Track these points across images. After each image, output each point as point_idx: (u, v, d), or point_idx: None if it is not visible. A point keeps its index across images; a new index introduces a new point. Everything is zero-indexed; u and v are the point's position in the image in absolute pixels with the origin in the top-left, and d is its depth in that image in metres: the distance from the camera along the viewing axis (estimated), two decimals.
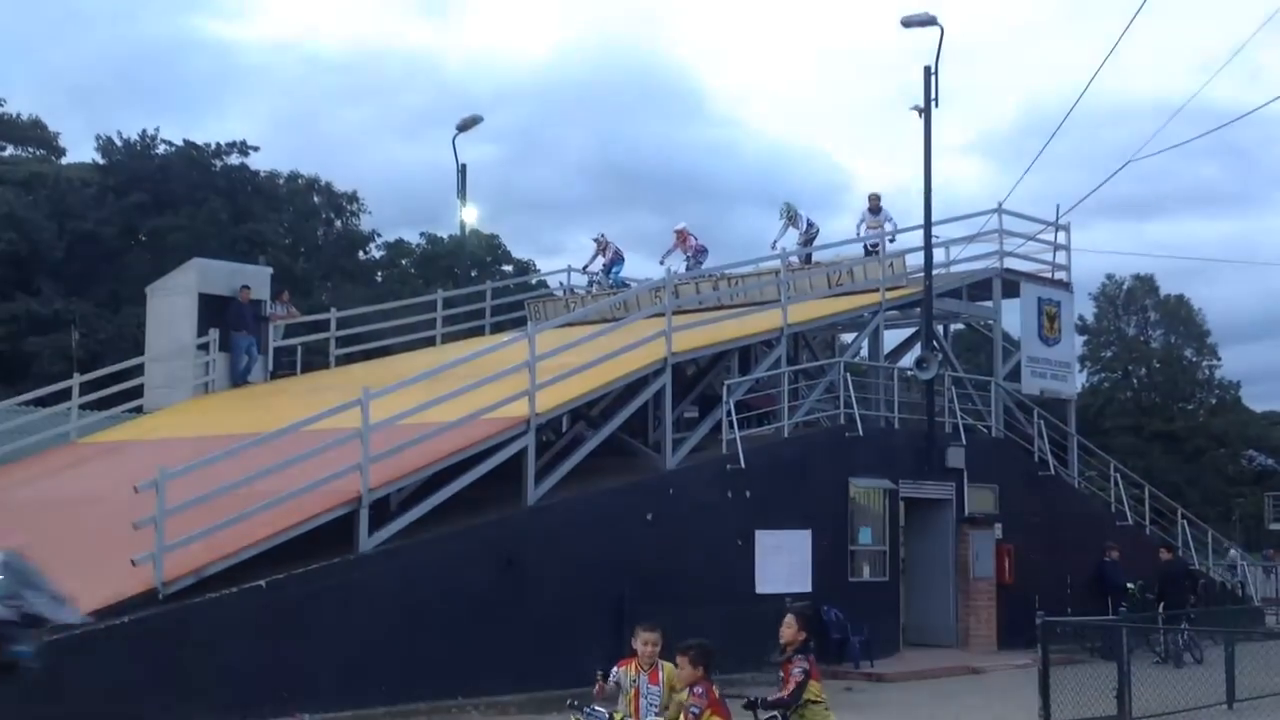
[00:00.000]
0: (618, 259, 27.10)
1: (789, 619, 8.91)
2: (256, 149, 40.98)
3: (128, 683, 12.72)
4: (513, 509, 16.58)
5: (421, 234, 48.26)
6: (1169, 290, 64.46)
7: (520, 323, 26.06)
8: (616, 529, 17.34)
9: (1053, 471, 24.15)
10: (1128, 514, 25.59)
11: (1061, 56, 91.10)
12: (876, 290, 22.68)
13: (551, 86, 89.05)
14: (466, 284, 32.24)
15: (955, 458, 21.89)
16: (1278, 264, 76.35)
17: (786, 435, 20.28)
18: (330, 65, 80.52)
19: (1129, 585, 22.59)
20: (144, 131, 39.50)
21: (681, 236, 25.41)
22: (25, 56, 66.72)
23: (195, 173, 38.61)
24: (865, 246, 24.39)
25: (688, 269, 24.89)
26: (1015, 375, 24.33)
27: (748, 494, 18.86)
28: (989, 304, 24.80)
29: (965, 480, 22.09)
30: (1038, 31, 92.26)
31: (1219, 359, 64.94)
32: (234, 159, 40.67)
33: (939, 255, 23.43)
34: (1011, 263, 24.75)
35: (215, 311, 22.71)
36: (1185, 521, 27.52)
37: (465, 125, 28.22)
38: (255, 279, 23.81)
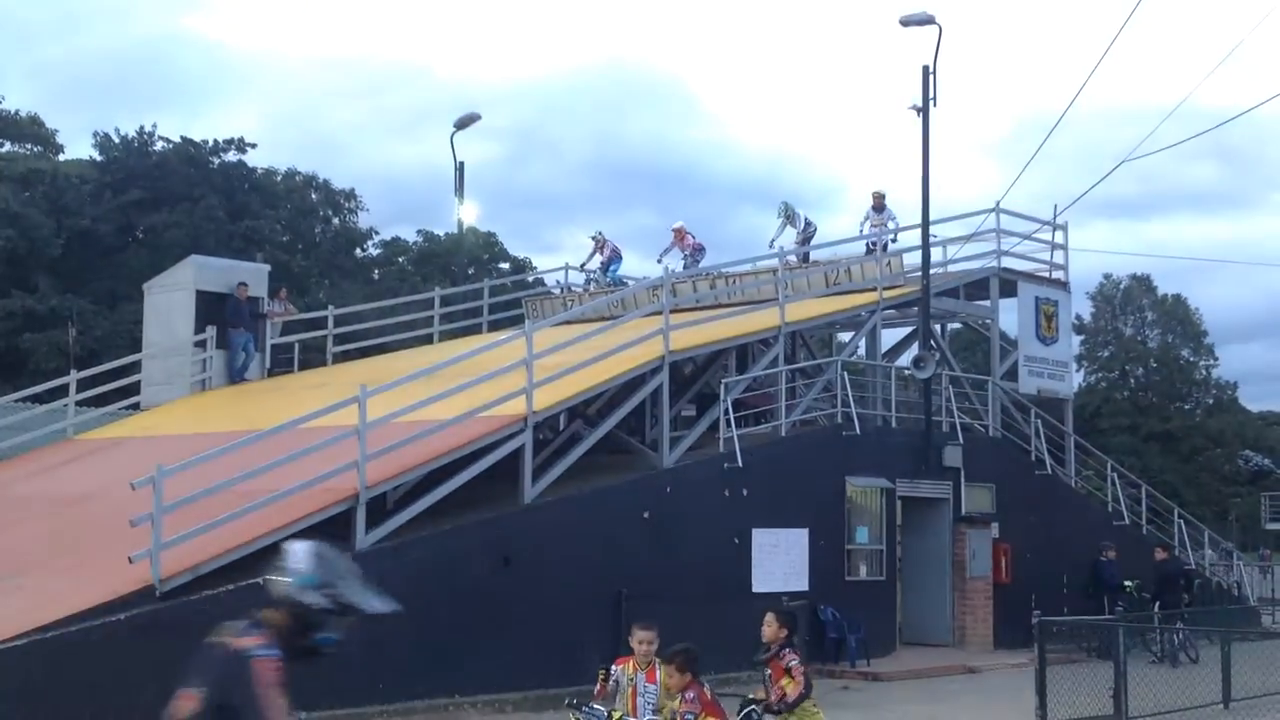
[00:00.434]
0: (615, 257, 27.11)
1: (768, 617, 8.98)
2: (254, 146, 40.99)
3: (125, 680, 12.69)
4: (510, 507, 16.56)
5: (418, 231, 48.32)
6: (1166, 290, 64.59)
7: (517, 321, 26.05)
8: (613, 527, 17.33)
9: (1049, 471, 24.16)
10: (1124, 513, 25.62)
11: (1062, 58, 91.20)
12: (874, 289, 22.68)
13: (549, 85, 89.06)
14: (463, 282, 32.24)
15: (952, 457, 21.90)
16: (1274, 264, 76.54)
17: (784, 434, 20.28)
18: (327, 62, 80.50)
19: (1125, 584, 22.62)
20: (141, 128, 39.48)
21: (679, 235, 25.40)
22: (23, 53, 66.67)
23: (192, 170, 38.55)
24: (867, 244, 24.41)
25: (685, 267, 24.88)
26: (1012, 374, 24.36)
27: (745, 493, 18.86)
28: (986, 303, 24.83)
29: (962, 479, 22.11)
30: (1038, 33, 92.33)
31: (1216, 359, 65.06)
32: (231, 156, 40.64)
33: (937, 254, 23.47)
34: (1009, 262, 24.78)
35: (212, 308, 22.71)
36: (1182, 521, 27.55)
37: (463, 123, 28.23)
38: (253, 276, 23.80)
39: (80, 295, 32.58)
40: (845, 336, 25.40)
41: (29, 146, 40.69)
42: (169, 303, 23.25)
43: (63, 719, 12.15)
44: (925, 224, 22.27)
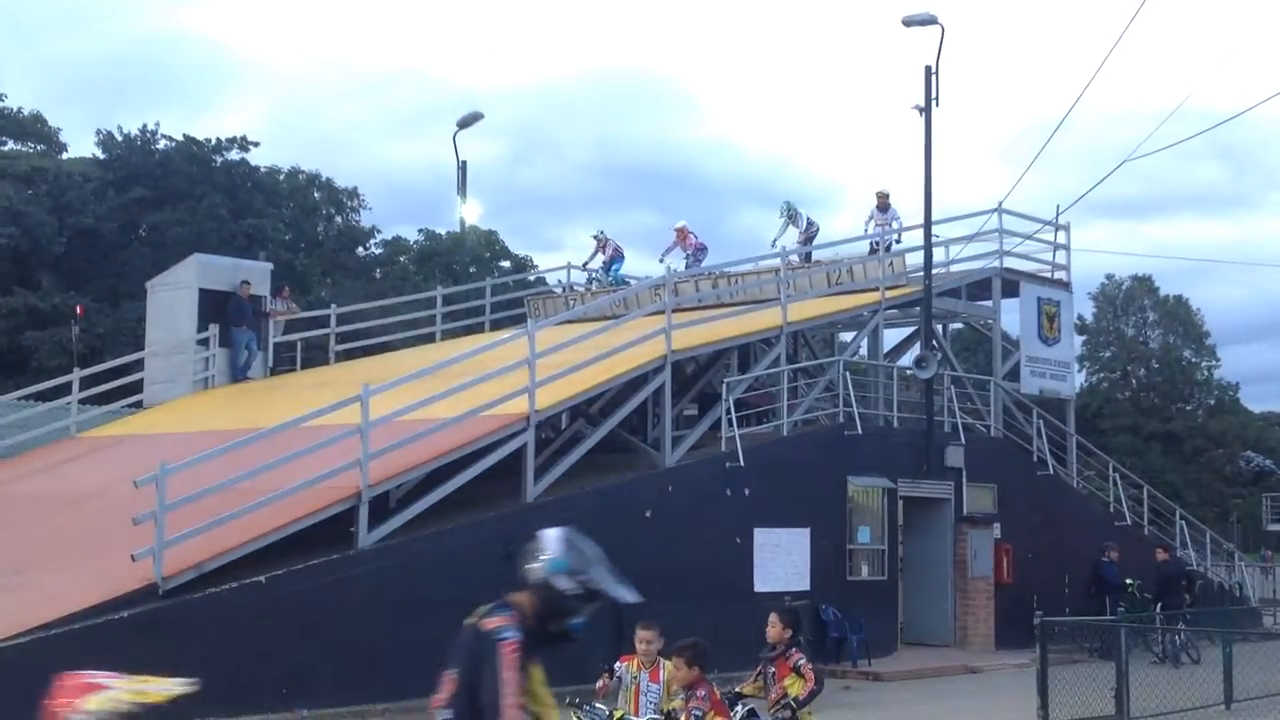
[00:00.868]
0: (617, 256, 27.13)
1: (772, 618, 8.96)
2: (256, 144, 41.01)
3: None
4: (512, 505, 16.57)
5: (420, 230, 48.33)
6: (1168, 291, 64.52)
7: (519, 320, 26.04)
8: (615, 526, 17.25)
9: (1051, 471, 24.17)
10: (1126, 514, 25.62)
11: (1064, 59, 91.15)
12: (877, 289, 22.68)
13: (551, 84, 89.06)
14: (465, 280, 32.25)
15: (954, 457, 21.91)
16: (1276, 265, 76.44)
17: (785, 434, 20.28)
18: (330, 61, 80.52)
19: (1127, 584, 22.62)
20: (144, 126, 39.50)
21: (681, 234, 25.36)
22: (26, 51, 66.70)
23: (195, 168, 38.56)
24: (870, 244, 24.41)
25: (687, 267, 24.87)
26: (1014, 375, 24.35)
27: (746, 492, 18.87)
28: (988, 303, 24.82)
29: (964, 480, 22.12)
30: (1040, 34, 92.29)
31: (1218, 360, 64.99)
32: (234, 154, 40.66)
33: (939, 254, 23.46)
34: (1011, 262, 24.75)
35: (215, 307, 22.70)
36: (1183, 522, 27.55)
37: (466, 122, 28.22)
38: (255, 275, 23.80)
39: (83, 293, 32.59)
40: (847, 336, 25.38)
41: (32, 145, 40.71)
42: (172, 301, 23.25)
43: None
44: (928, 224, 22.28)
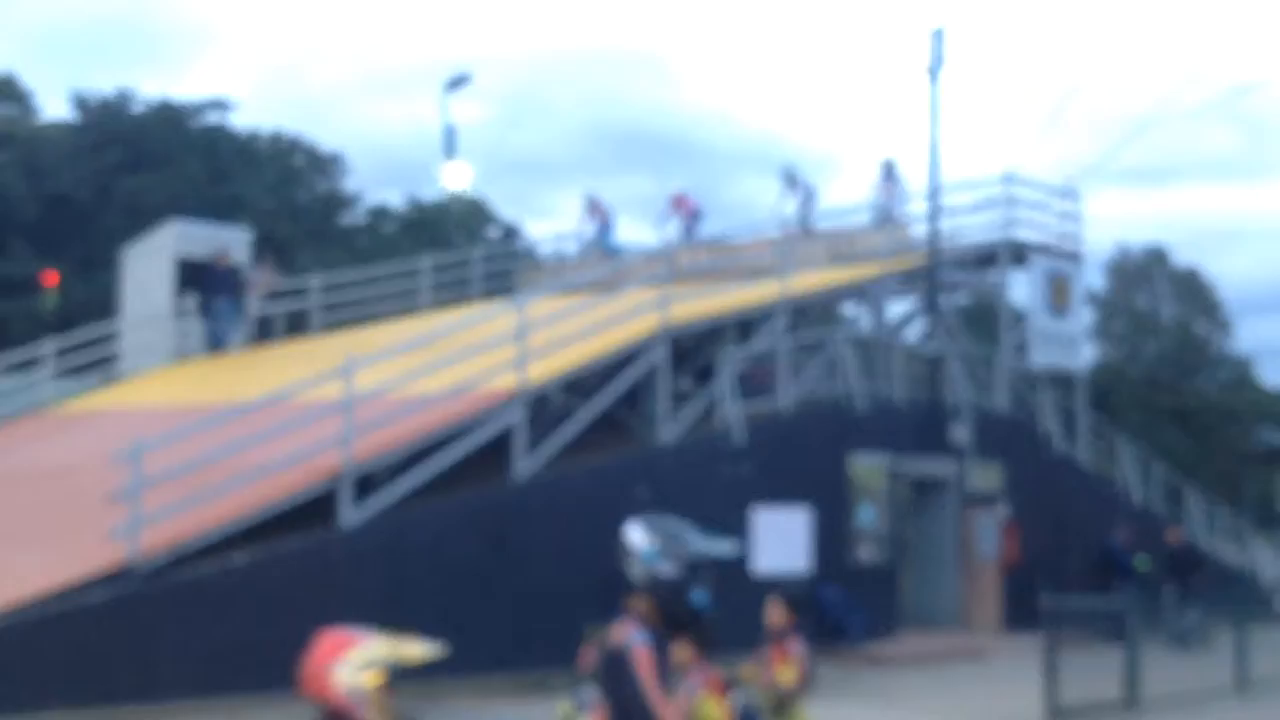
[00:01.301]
0: (609, 223, 26.37)
1: (772, 602, 8.51)
2: (236, 107, 40.16)
3: (102, 660, 12.39)
4: (501, 484, 16.05)
5: (406, 196, 47.49)
6: (1181, 261, 63.55)
7: (510, 289, 25.44)
8: (609, 505, 16.69)
9: (1060, 449, 23.66)
10: (1136, 493, 25.15)
11: (1076, 28, 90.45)
12: (880, 260, 22.09)
13: (543, 47, 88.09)
14: (452, 248, 31.52)
15: (959, 434, 21.34)
16: None
17: (785, 410, 19.69)
18: (312, 19, 79.36)
19: (1137, 564, 22.18)
20: (120, 89, 38.56)
21: (678, 201, 24.76)
22: None
23: (172, 132, 37.69)
24: (875, 213, 23.83)
25: (686, 233, 24.30)
26: (1022, 349, 23.79)
27: (745, 469, 18.32)
28: (996, 275, 24.21)
29: (969, 457, 21.57)
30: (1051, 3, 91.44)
31: (1233, 333, 64.19)
32: (213, 117, 39.77)
33: (945, 224, 22.81)
34: (1020, 232, 24.12)
35: (194, 275, 22.09)
36: (1195, 501, 27.12)
37: (454, 84, 27.49)
38: (235, 242, 23.18)
39: (56, 260, 31.76)
40: (850, 309, 24.79)
41: (3, 106, 39.72)
42: (148, 269, 22.61)
43: (38, 699, 11.85)
44: (933, 192, 21.68)
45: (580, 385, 19.30)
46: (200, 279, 21.99)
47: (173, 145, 37.15)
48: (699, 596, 4.51)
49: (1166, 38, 79.81)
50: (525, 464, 16.19)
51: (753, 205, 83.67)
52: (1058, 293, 24.06)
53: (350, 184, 44.72)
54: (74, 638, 12.17)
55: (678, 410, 18.65)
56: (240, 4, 79.29)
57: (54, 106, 41.89)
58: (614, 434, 18.42)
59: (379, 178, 65.71)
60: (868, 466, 20.23)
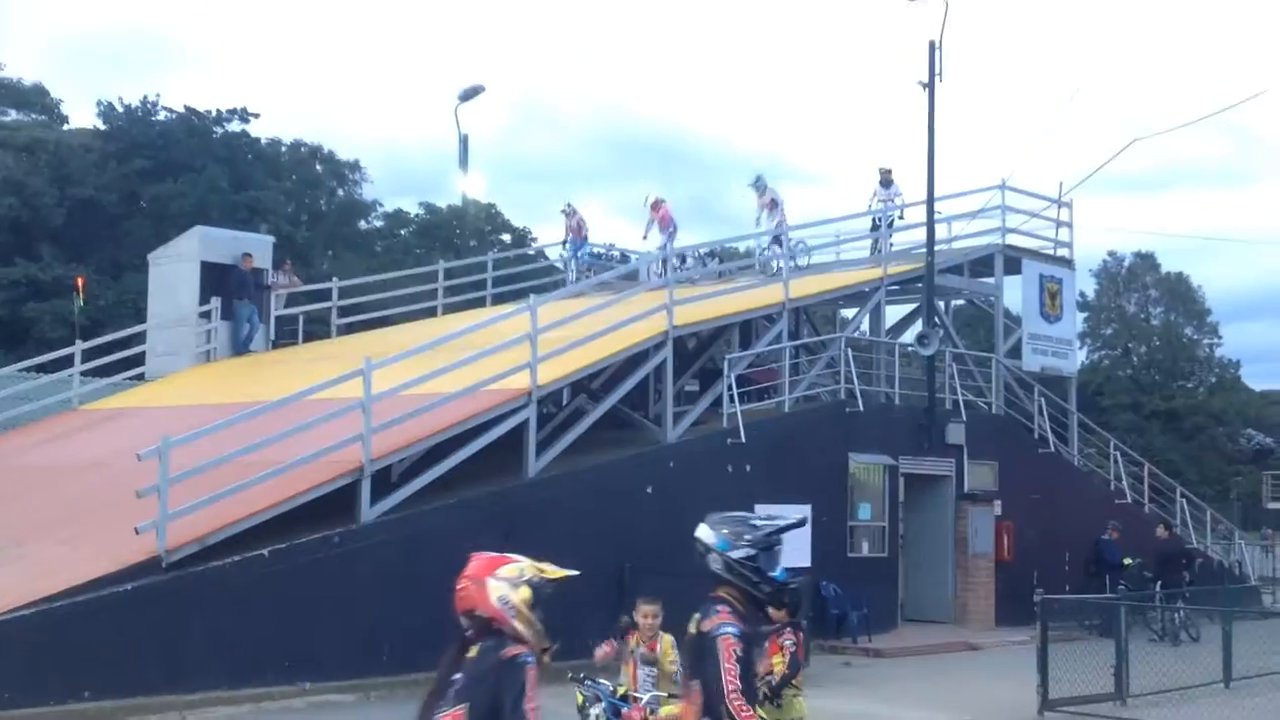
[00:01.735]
0: (583, 236, 25.19)
1: None
2: (257, 115, 40.87)
3: (131, 650, 12.76)
4: (514, 481, 16.58)
5: (421, 203, 48.19)
6: (1170, 268, 64.31)
7: (521, 294, 25.97)
8: (617, 501, 17.35)
9: (1052, 449, 24.18)
10: (1126, 492, 25.65)
11: (1068, 34, 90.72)
12: (878, 265, 22.62)
13: (552, 56, 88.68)
14: (466, 254, 32.17)
15: (955, 434, 21.92)
16: (1278, 243, 76.22)
17: (787, 410, 20.28)
18: (332, 31, 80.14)
19: (1126, 562, 22.67)
20: (145, 98, 39.35)
21: (655, 208, 24.27)
22: (27, 20, 66.36)
23: (196, 139, 38.44)
24: (873, 220, 24.34)
25: (665, 244, 23.72)
26: (1016, 352, 24.36)
27: (748, 468, 18.88)
28: (990, 280, 24.79)
29: (965, 457, 22.13)
30: (1045, 11, 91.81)
31: (1219, 337, 64.84)
32: (235, 126, 40.51)
33: (941, 231, 23.41)
34: (1014, 239, 24.73)
35: (217, 280, 22.65)
36: (1184, 500, 27.58)
37: (468, 95, 28.14)
38: (257, 247, 23.76)
39: (84, 265, 32.53)
40: (849, 313, 25.33)
41: (34, 115, 40.55)
42: (174, 273, 23.20)
43: (67, 689, 12.21)
44: (930, 200, 22.24)
45: (589, 386, 19.93)
46: (224, 283, 22.60)
47: (196, 153, 37.90)
48: (780, 576, 4.96)
49: (1159, 47, 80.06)
50: (537, 461, 16.76)
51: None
52: (1050, 298, 24.70)
53: (367, 191, 45.50)
54: (104, 629, 12.51)
55: (683, 410, 19.25)
56: (261, 17, 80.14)
57: (81, 116, 42.69)
58: (621, 433, 19.00)
59: (395, 185, 66.47)
60: (867, 465, 20.80)
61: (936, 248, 22.56)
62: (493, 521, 15.95)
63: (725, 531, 4.89)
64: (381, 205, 45.93)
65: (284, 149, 42.52)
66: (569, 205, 25.76)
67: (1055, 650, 14.10)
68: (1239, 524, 34.65)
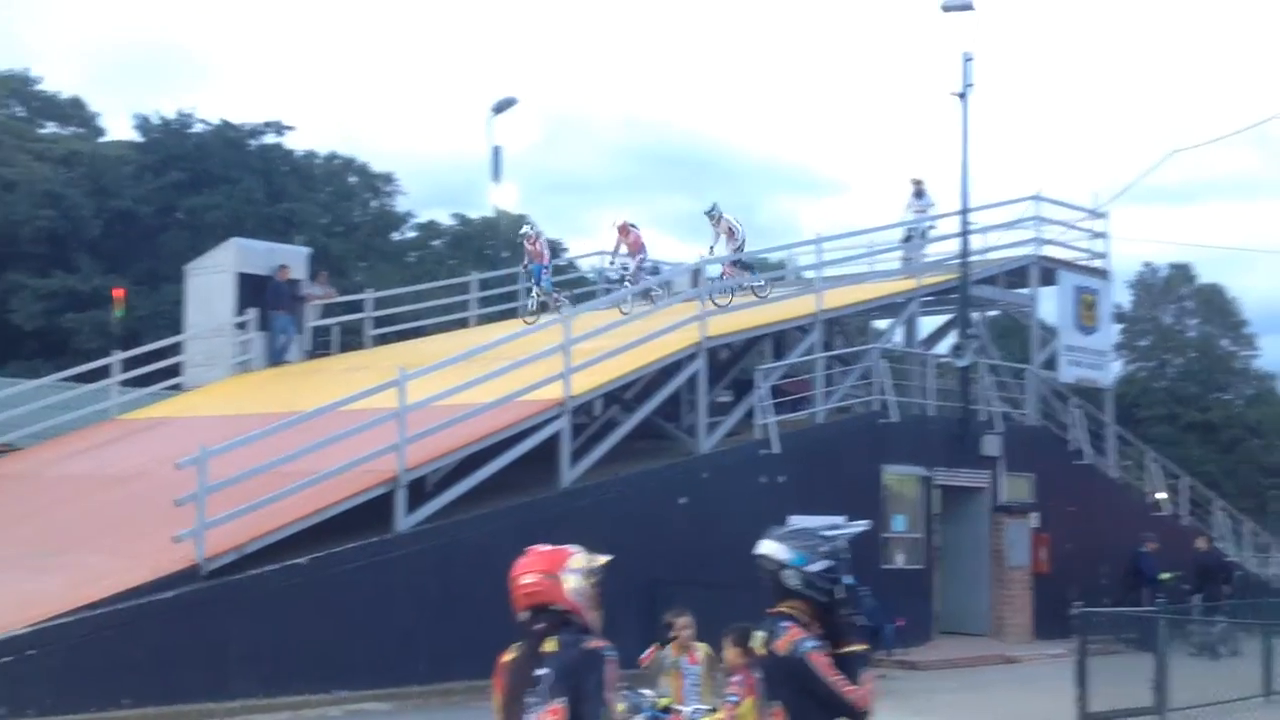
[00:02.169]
0: (542, 259, 23.32)
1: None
2: (291, 128, 41.17)
3: (170, 658, 12.88)
4: (547, 491, 16.63)
5: (453, 215, 48.42)
6: (1206, 279, 63.79)
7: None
8: (650, 511, 17.36)
9: (1089, 461, 24.02)
10: (1164, 504, 25.42)
11: (1102, 46, 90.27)
12: (912, 276, 22.56)
13: (582, 67, 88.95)
14: (499, 265, 32.28)
15: (991, 446, 21.80)
16: None
17: (820, 421, 20.24)
18: (364, 42, 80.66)
19: (1164, 576, 22.47)
20: (180, 111, 39.72)
21: (623, 231, 22.71)
22: (65, 33, 67.15)
23: (231, 152, 38.76)
24: (906, 231, 24.27)
25: (638, 267, 22.26)
26: (1051, 363, 24.21)
27: (781, 479, 18.84)
28: (1025, 291, 24.67)
29: (1001, 468, 22.01)
30: (1077, 21, 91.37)
31: (1257, 349, 64.22)
32: (269, 138, 40.81)
33: (975, 242, 23.32)
34: (1049, 250, 24.59)
35: (253, 290, 22.83)
36: (1222, 512, 27.32)
37: (500, 107, 28.25)
38: (293, 259, 23.95)
39: (121, 276, 32.82)
40: (882, 324, 25.26)
41: (71, 127, 41.00)
42: (210, 285, 23.41)
43: (107, 696, 12.35)
44: (964, 211, 22.17)
45: (622, 396, 19.95)
46: (260, 293, 22.77)
47: (232, 165, 38.20)
48: (850, 582, 4.94)
49: (1191, 58, 79.59)
50: (570, 471, 16.80)
51: (784, 223, 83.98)
52: (1086, 309, 24.54)
53: (401, 203, 45.75)
54: (143, 636, 12.66)
55: (716, 421, 19.24)
56: (294, 32, 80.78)
57: (118, 128, 43.07)
58: (654, 443, 19.02)
59: (428, 197, 66.77)
60: (901, 476, 20.72)
61: (971, 258, 22.48)
62: (527, 531, 15.83)
63: (798, 546, 4.84)
64: (415, 217, 46.21)
65: (318, 161, 42.81)
66: (529, 228, 24.17)
67: (1094, 663, 14.00)
68: (1277, 536, 34.26)
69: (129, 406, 21.47)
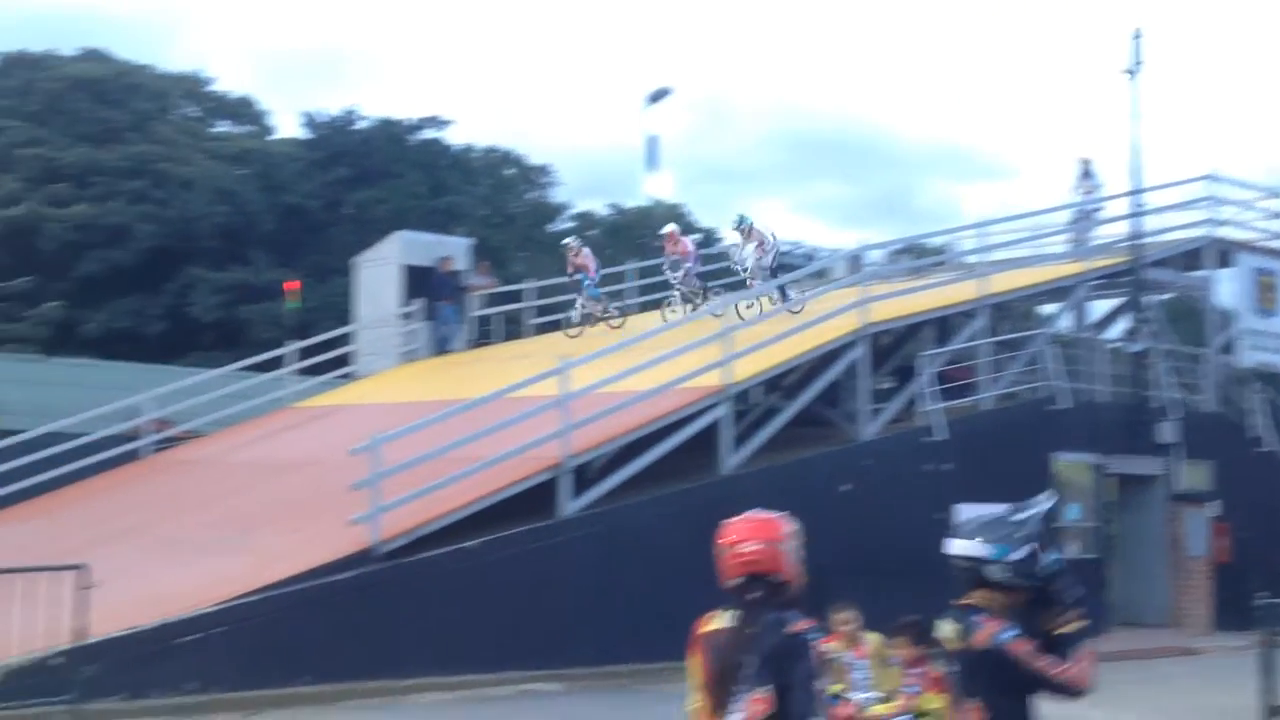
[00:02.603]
0: (586, 269, 22.93)
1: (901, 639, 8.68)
2: (451, 123, 42.04)
3: (347, 636, 13.29)
4: (708, 477, 16.67)
5: (608, 204, 48.84)
6: None
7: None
8: (812, 499, 17.16)
9: (1270, 448, 23.02)
10: None
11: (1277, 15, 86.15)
12: (1081, 259, 21.94)
13: (735, 55, 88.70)
14: (653, 255, 32.40)
15: (1166, 432, 21.07)
16: None
17: (986, 408, 19.83)
18: (518, 38, 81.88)
19: None
20: (345, 109, 40.94)
21: (672, 239, 22.16)
22: (234, 36, 69.78)
23: (394, 147, 39.79)
24: (1074, 212, 23.62)
25: (686, 274, 21.80)
26: (1230, 348, 23.26)
27: (946, 467, 18.53)
28: (1201, 274, 23.75)
29: (1177, 456, 21.26)
30: None
31: None
32: (429, 133, 41.75)
33: (1147, 223, 22.53)
34: (1225, 231, 23.60)
35: (418, 282, 23.41)
36: None
37: (655, 97, 28.39)
38: (456, 250, 24.48)
39: (293, 269, 34.02)
40: (1050, 309, 24.61)
41: (243, 126, 42.59)
42: (377, 277, 24.09)
43: (288, 673, 12.77)
44: (1135, 191, 21.47)
45: (782, 383, 19.88)
46: (425, 285, 23.35)
47: (394, 160, 39.21)
48: (1056, 560, 4.78)
49: None
50: (731, 458, 16.80)
51: (944, 207, 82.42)
52: (1266, 292, 23.49)
53: (558, 194, 46.34)
54: (323, 616, 13.06)
55: (878, 407, 19.02)
56: (452, 27, 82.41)
57: (286, 126, 44.62)
58: (813, 430, 18.88)
59: (583, 187, 67.57)
60: (1073, 464, 20.19)
61: (1142, 240, 21.74)
62: (688, 517, 16.05)
63: (995, 538, 4.63)
64: (571, 207, 46.77)
65: (476, 155, 43.64)
66: (571, 239, 23.64)
67: (1278, 656, 13.46)
68: None
69: (303, 395, 22.21)
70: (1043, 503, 4.74)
